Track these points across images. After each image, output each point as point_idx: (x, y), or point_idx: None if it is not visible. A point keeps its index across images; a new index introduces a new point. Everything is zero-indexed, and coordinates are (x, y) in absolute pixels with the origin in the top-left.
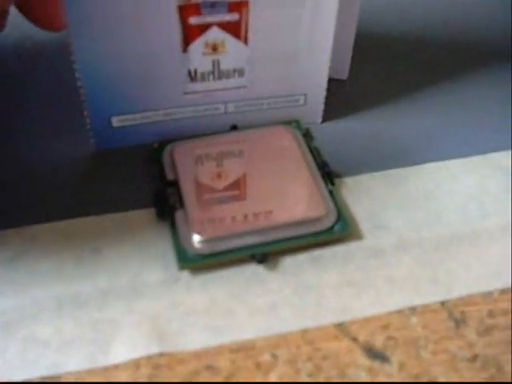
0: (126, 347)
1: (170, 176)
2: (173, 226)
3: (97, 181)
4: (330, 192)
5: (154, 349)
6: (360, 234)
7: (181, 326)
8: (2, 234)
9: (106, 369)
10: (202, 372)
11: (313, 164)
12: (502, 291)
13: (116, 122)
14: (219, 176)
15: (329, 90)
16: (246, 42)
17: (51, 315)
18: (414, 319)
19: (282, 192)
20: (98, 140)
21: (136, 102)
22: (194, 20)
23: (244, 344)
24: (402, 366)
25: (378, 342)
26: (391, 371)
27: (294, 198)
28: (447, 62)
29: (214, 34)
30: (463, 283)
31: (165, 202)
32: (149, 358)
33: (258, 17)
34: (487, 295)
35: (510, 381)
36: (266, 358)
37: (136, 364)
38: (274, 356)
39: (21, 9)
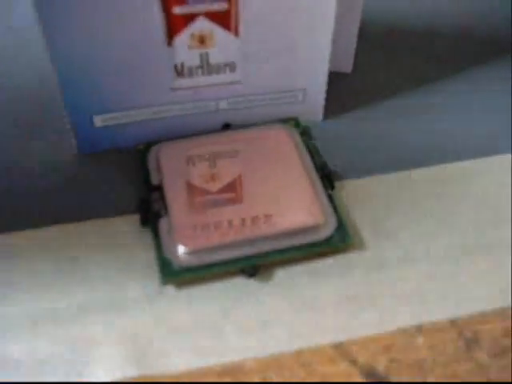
0: (103, 369)
1: (154, 180)
2: (156, 235)
3: (79, 186)
4: (330, 197)
5: (133, 371)
6: (362, 244)
7: (163, 345)
8: None
9: None
10: None
11: (311, 166)
12: None
13: (98, 121)
14: (213, 178)
15: (331, 84)
16: (236, 33)
17: (24, 332)
18: (420, 339)
19: (277, 197)
20: (81, 142)
21: (119, 100)
22: (178, 9)
23: (232, 366)
24: None
25: (380, 365)
26: None
27: (290, 203)
28: (456, 55)
29: (201, 25)
30: (475, 299)
31: (149, 209)
32: (125, 381)
33: (249, 5)
34: (502, 312)
35: None
36: (255, 381)
37: None
38: (265, 379)
39: None
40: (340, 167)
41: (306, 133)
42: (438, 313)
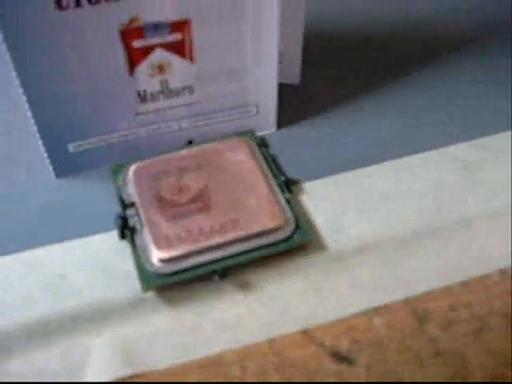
0: (98, 372)
1: (128, 198)
2: (134, 247)
3: (59, 209)
4: (288, 200)
5: (125, 371)
6: (320, 240)
7: (149, 345)
8: None
9: None
10: None
11: (269, 173)
12: (463, 284)
13: (72, 148)
14: (181, 191)
15: (282, 95)
16: (191, 59)
17: (21, 346)
18: (378, 320)
19: (240, 204)
20: (57, 167)
21: (90, 127)
22: (137, 43)
23: (212, 359)
24: (368, 368)
25: (344, 345)
26: (358, 374)
27: (251, 209)
28: (397, 63)
29: (159, 55)
30: (424, 280)
31: (125, 224)
32: (120, 382)
33: (201, 35)
34: (448, 289)
35: (474, 375)
36: (234, 371)
37: None
38: (243, 368)
39: None
40: (296, 172)
41: (262, 143)
42: (392, 295)
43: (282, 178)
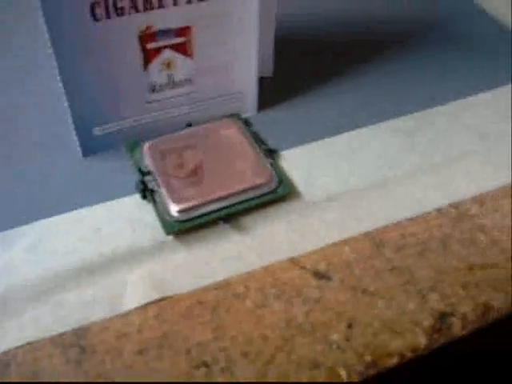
0: (134, 298)
1: (144, 168)
2: (155, 203)
3: (88, 180)
4: (271, 164)
5: (156, 295)
6: (298, 192)
7: (173, 276)
8: (16, 229)
9: (123, 315)
10: (194, 307)
11: (255, 145)
12: (409, 219)
13: (96, 131)
14: (180, 166)
15: (260, 86)
16: (192, 57)
17: (72, 282)
18: (346, 248)
19: (234, 169)
20: (84, 148)
21: (111, 114)
22: (150, 45)
23: (223, 283)
24: (341, 282)
25: (322, 267)
26: (334, 286)
27: (244, 171)
28: (351, 56)
29: (167, 55)
30: (379, 218)
31: (145, 187)
32: (153, 302)
33: (199, 38)
34: (398, 224)
35: (419, 284)
36: (240, 289)
37: (144, 309)
38: (247, 287)
39: None
40: (274, 144)
41: (247, 123)
42: (355, 230)
43: (266, 147)
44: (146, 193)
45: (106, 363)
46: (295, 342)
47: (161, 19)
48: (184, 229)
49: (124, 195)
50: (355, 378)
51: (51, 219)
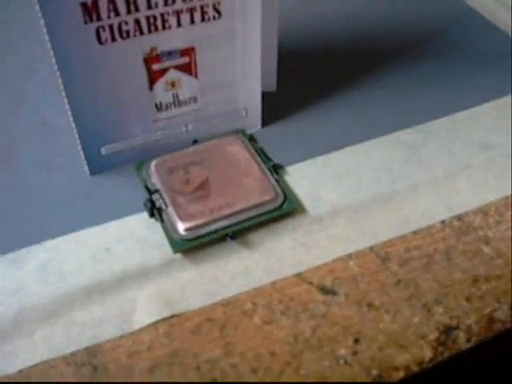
0: (144, 316)
1: (152, 186)
2: (162, 221)
3: (96, 198)
4: (276, 180)
5: (166, 313)
6: (303, 208)
7: (182, 293)
8: (27, 249)
9: (133, 333)
10: (204, 324)
11: (260, 161)
12: (414, 233)
13: (104, 150)
14: (187, 182)
15: (263, 102)
16: (196, 76)
17: (83, 301)
18: (352, 262)
19: (240, 185)
20: (91, 167)
21: (118, 133)
22: (155, 66)
23: (231, 299)
24: (347, 296)
25: (328, 282)
26: (340, 301)
27: (250, 188)
28: (353, 70)
29: (172, 75)
30: (384, 232)
31: (153, 206)
32: (163, 320)
33: (203, 57)
34: (402, 237)
35: (425, 297)
36: (248, 306)
37: (154, 326)
38: (254, 304)
39: None
40: (279, 159)
41: (252, 139)
42: (360, 244)
43: (271, 164)
44: (154, 211)
45: (118, 381)
46: (303, 358)
47: (165, 41)
48: (192, 247)
49: (132, 213)
50: None
51: (61, 238)
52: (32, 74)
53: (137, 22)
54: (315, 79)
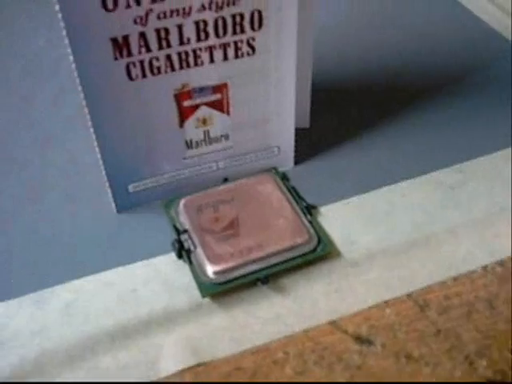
0: (170, 363)
1: (180, 226)
2: (191, 264)
3: (123, 237)
4: (310, 221)
5: (193, 360)
6: (338, 251)
7: (210, 340)
8: (51, 290)
9: (159, 382)
10: (232, 373)
11: (293, 201)
12: (454, 279)
13: (132, 188)
14: (216, 220)
15: (296, 138)
16: (228, 113)
17: (106, 347)
18: (388, 310)
19: (272, 226)
20: (118, 204)
21: (146, 170)
22: (186, 103)
23: (261, 347)
24: (384, 347)
25: (363, 331)
26: (376, 351)
27: (282, 229)
28: (389, 107)
29: (203, 112)
30: (422, 277)
31: (181, 247)
32: (190, 368)
33: (235, 94)
34: (442, 284)
35: (467, 348)
36: (279, 355)
37: (180, 375)
38: (286, 353)
39: None
40: (312, 199)
41: (284, 177)
42: (397, 290)
43: (304, 204)
44: (182, 252)
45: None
46: None
47: (197, 77)
48: (221, 291)
49: (160, 254)
50: None
51: (86, 279)
52: (60, 110)
53: (168, 58)
54: (349, 116)
